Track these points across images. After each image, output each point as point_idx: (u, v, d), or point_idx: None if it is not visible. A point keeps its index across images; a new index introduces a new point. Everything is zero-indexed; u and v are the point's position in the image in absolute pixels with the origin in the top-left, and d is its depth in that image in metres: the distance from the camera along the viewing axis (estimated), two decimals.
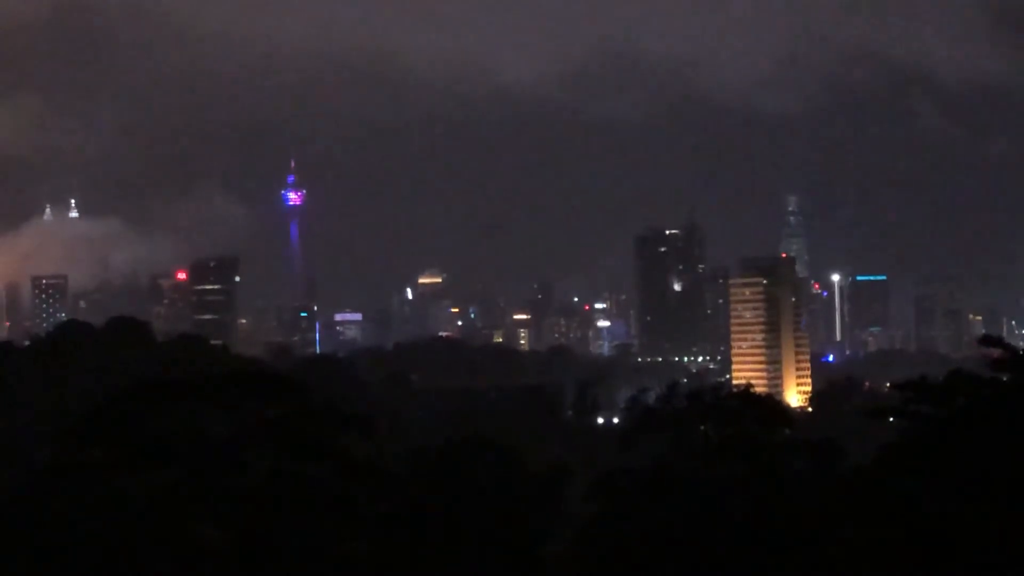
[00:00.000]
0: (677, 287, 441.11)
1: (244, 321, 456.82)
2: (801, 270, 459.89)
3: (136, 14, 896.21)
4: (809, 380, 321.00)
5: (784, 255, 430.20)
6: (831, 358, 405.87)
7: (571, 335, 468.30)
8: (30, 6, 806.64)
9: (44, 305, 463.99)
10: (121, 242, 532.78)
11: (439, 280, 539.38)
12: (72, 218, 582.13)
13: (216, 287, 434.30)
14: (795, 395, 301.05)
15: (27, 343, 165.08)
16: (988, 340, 51.48)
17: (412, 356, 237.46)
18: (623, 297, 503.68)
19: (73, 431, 44.90)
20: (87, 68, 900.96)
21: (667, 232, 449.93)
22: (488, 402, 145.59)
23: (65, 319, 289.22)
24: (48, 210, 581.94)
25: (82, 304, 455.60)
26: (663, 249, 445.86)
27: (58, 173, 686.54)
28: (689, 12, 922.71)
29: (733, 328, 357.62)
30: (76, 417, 46.61)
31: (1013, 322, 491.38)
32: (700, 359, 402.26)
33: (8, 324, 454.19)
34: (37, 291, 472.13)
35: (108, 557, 39.86)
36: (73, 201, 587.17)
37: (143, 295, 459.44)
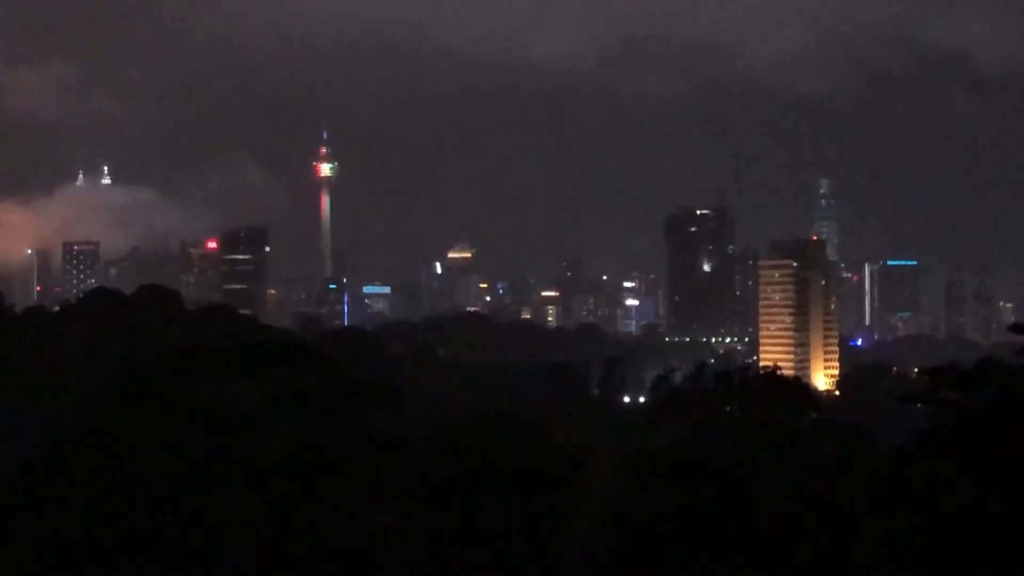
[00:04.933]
0: (707, 268, 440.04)
1: (273, 292, 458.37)
2: (831, 253, 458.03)
3: None
4: (837, 364, 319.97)
5: (815, 238, 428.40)
6: (860, 342, 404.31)
7: (599, 313, 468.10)
8: None
9: (75, 271, 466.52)
10: (153, 210, 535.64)
11: (468, 255, 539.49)
12: (105, 185, 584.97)
13: (246, 257, 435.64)
14: (823, 378, 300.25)
15: (57, 308, 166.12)
16: (1018, 328, 51.23)
17: (440, 330, 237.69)
18: (652, 276, 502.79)
19: (102, 397, 45.10)
20: (121, 37, 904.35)
21: (698, 212, 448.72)
22: (515, 378, 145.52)
23: (95, 286, 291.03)
24: (81, 176, 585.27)
25: (112, 271, 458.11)
26: (693, 229, 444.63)
27: (91, 140, 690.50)
28: None
29: (762, 310, 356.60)
30: (105, 383, 46.79)
31: None
32: (728, 340, 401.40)
33: (39, 289, 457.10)
34: (68, 257, 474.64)
35: (136, 523, 40.09)
36: (106, 168, 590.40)
37: (173, 263, 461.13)
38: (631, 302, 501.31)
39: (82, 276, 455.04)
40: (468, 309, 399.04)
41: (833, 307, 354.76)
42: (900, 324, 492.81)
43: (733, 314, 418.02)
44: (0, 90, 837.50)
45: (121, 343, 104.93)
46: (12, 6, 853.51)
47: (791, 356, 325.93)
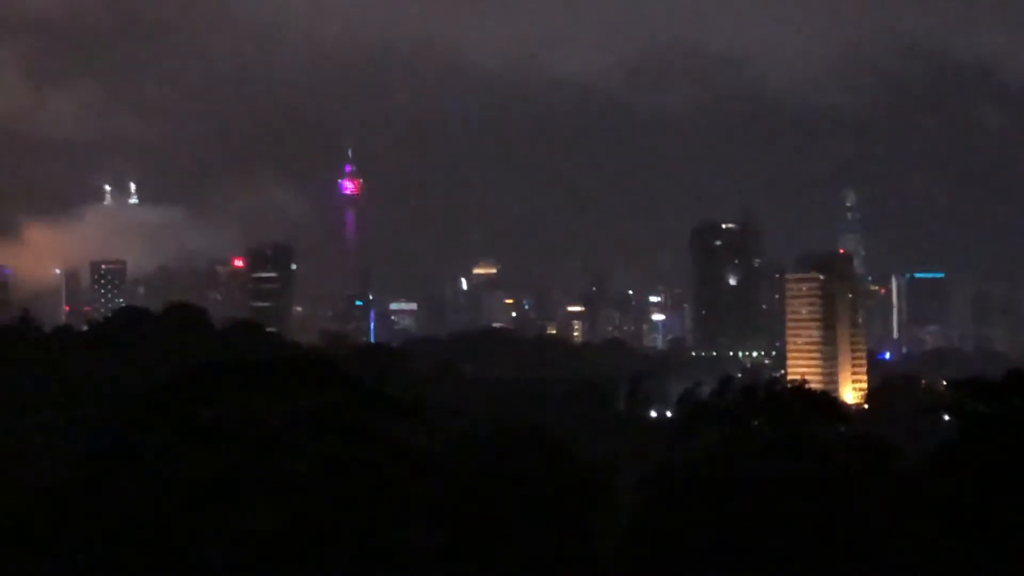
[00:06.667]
0: (732, 281, 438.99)
1: (299, 309, 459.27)
2: (858, 266, 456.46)
3: (197, 4, 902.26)
4: (865, 377, 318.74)
5: (841, 251, 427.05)
6: (888, 356, 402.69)
7: (625, 328, 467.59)
8: None
9: (103, 290, 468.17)
10: (180, 229, 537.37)
11: (494, 271, 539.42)
12: (132, 204, 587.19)
13: (272, 275, 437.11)
14: (851, 392, 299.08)
15: (85, 327, 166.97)
16: None
17: (465, 346, 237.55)
18: (678, 291, 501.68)
19: (129, 415, 45.33)
20: (146, 57, 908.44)
21: (723, 226, 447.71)
22: (540, 394, 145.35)
23: (123, 304, 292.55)
24: (108, 196, 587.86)
25: (140, 290, 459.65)
26: (719, 243, 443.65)
27: (119, 160, 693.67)
28: (747, 6, 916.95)
29: (789, 324, 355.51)
30: (133, 401, 47.04)
31: None
32: (754, 354, 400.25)
33: (67, 308, 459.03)
34: (96, 276, 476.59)
35: (163, 539, 40.24)
36: (133, 187, 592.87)
37: (201, 281, 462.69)
38: (657, 317, 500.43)
39: (110, 295, 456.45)
40: (494, 325, 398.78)
41: (860, 320, 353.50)
42: (928, 337, 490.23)
43: (760, 328, 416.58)
44: (26, 111, 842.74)
45: (149, 361, 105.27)
46: (37, 28, 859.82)
47: (818, 370, 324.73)
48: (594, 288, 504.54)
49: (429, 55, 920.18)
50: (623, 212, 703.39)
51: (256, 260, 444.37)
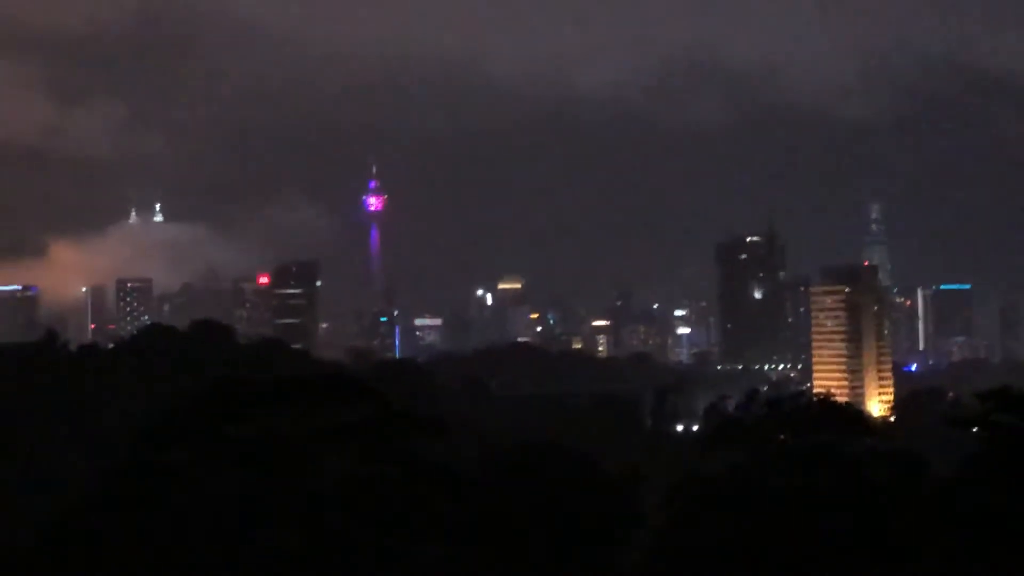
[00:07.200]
0: (757, 295, 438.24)
1: (325, 325, 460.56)
2: (884, 278, 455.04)
3: (219, 21, 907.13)
4: (891, 389, 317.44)
5: (866, 263, 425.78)
6: (914, 368, 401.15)
7: (650, 342, 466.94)
8: (115, 13, 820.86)
9: (128, 308, 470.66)
10: (205, 246, 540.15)
11: (518, 286, 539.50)
12: (157, 222, 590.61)
13: (297, 291, 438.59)
14: (877, 404, 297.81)
15: (112, 345, 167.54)
16: None
17: (491, 361, 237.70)
18: (703, 304, 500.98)
19: (153, 432, 45.35)
20: (170, 75, 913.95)
21: (748, 239, 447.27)
22: (566, 409, 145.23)
23: (149, 322, 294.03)
24: (134, 214, 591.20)
25: (166, 307, 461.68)
26: (743, 256, 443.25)
27: (143, 178, 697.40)
28: (770, 20, 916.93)
29: (814, 336, 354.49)
30: (156, 418, 47.08)
31: None
32: (780, 367, 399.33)
33: (93, 326, 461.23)
34: (122, 294, 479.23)
35: (185, 557, 40.22)
36: (158, 206, 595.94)
37: (226, 299, 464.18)
38: (682, 330, 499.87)
39: (136, 313, 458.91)
40: (519, 340, 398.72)
41: (886, 333, 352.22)
42: (954, 349, 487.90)
43: (785, 341, 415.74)
44: (53, 130, 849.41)
45: (175, 379, 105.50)
46: (60, 47, 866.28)
47: (845, 382, 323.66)
48: (619, 302, 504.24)
49: (453, 71, 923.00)
50: (647, 226, 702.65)
51: (281, 277, 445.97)
